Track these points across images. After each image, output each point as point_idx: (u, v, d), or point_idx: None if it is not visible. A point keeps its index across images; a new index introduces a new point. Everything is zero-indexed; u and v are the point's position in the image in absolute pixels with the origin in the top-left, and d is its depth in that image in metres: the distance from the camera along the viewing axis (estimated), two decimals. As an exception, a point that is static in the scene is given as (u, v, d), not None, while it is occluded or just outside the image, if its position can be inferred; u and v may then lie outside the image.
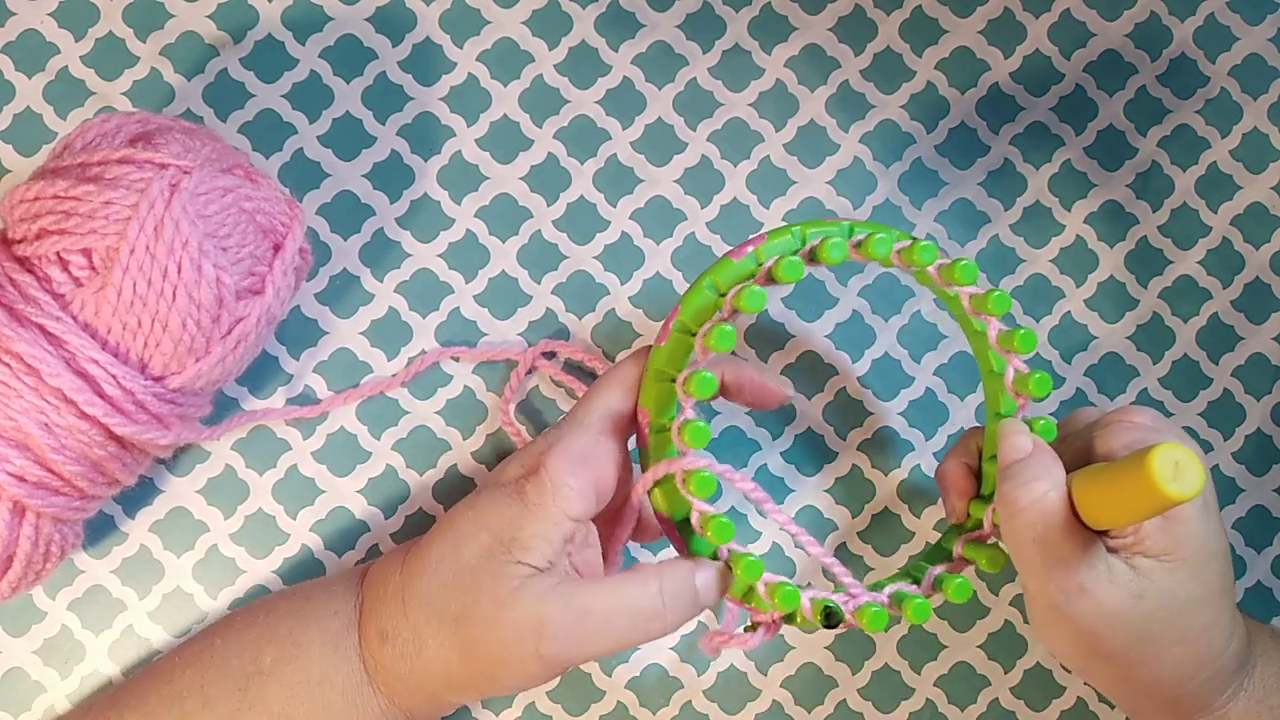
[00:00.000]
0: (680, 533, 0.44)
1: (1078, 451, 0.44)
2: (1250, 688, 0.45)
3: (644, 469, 0.44)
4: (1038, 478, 0.42)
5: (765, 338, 0.54)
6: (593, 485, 0.42)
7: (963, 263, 0.43)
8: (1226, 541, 0.44)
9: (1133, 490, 0.39)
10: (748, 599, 0.44)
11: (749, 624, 0.45)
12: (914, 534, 0.54)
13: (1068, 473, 0.42)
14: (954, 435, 0.54)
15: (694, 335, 0.44)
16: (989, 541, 0.47)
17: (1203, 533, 0.42)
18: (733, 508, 0.53)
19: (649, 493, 0.44)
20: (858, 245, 0.44)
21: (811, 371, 0.54)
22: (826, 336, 0.54)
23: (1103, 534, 0.42)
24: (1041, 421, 0.45)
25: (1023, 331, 0.44)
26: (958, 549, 0.47)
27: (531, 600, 0.40)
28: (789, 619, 0.45)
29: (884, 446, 0.54)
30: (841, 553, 0.53)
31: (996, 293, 0.44)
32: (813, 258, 0.44)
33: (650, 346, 0.45)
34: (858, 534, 0.54)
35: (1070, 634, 0.42)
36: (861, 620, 0.44)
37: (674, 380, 0.44)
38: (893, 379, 0.54)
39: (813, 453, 0.54)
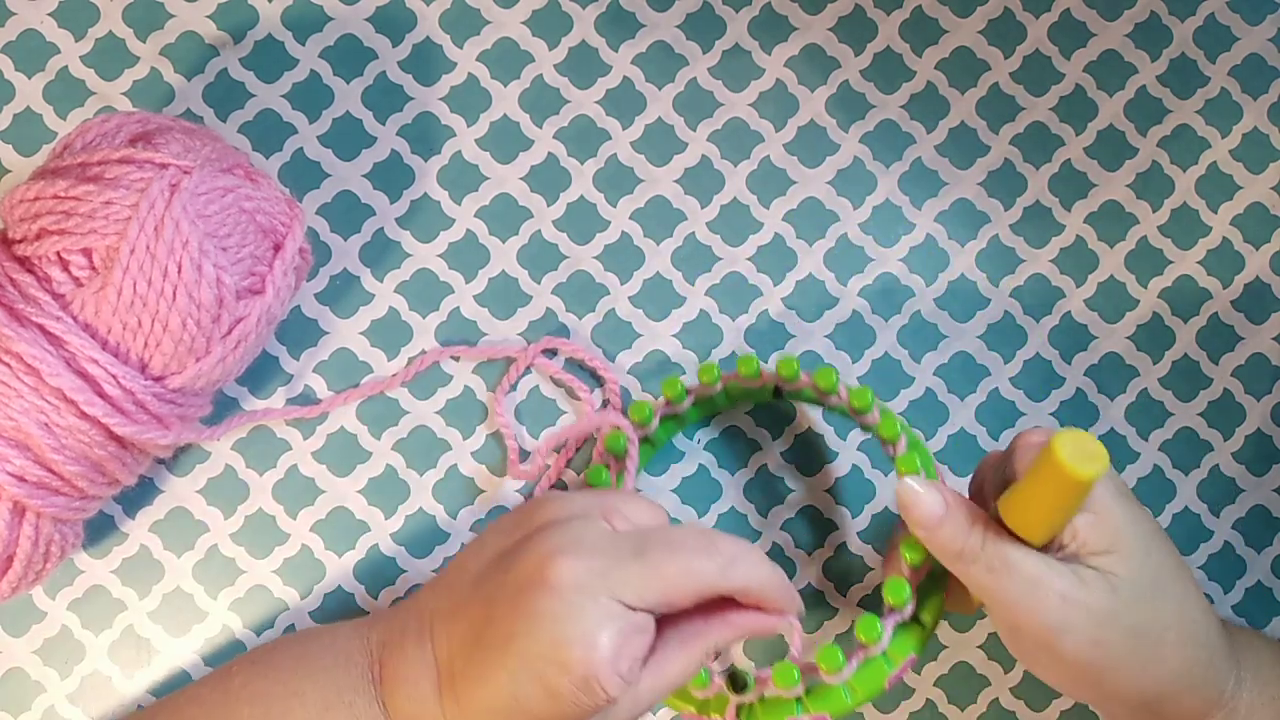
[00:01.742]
0: None
1: (996, 493, 0.45)
2: (1247, 679, 0.45)
3: None
4: (974, 522, 0.43)
5: (765, 338, 0.54)
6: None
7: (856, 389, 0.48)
8: (1157, 523, 0.44)
9: (1050, 488, 0.40)
10: (703, 709, 0.47)
11: None
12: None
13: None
14: (954, 435, 0.54)
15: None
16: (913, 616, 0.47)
17: (1131, 515, 0.42)
18: (732, 508, 0.53)
19: None
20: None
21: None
22: (826, 337, 0.54)
23: (1047, 552, 0.43)
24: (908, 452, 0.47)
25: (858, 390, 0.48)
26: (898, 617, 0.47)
27: None
28: (745, 714, 0.46)
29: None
30: (842, 552, 0.53)
31: (888, 418, 0.48)
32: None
33: None
34: (857, 534, 0.54)
35: (1071, 661, 0.42)
36: (775, 680, 0.45)
37: None
38: (893, 379, 0.54)
39: (813, 453, 0.54)
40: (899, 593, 0.45)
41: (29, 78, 0.52)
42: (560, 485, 0.53)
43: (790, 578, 0.53)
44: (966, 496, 0.46)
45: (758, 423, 0.54)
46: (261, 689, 0.44)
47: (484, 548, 0.44)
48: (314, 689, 0.43)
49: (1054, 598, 0.41)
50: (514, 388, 0.53)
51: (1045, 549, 0.43)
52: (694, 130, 0.54)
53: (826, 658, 0.44)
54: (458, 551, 0.46)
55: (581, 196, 0.54)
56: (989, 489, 0.46)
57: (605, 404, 0.52)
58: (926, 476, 0.47)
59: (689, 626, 0.42)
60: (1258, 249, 0.56)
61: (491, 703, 0.40)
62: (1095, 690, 0.44)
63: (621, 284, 0.54)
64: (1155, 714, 0.43)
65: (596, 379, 0.53)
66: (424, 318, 0.53)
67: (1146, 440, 0.55)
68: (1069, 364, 0.55)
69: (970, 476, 0.49)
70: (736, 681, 0.46)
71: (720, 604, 0.42)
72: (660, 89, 0.54)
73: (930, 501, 0.43)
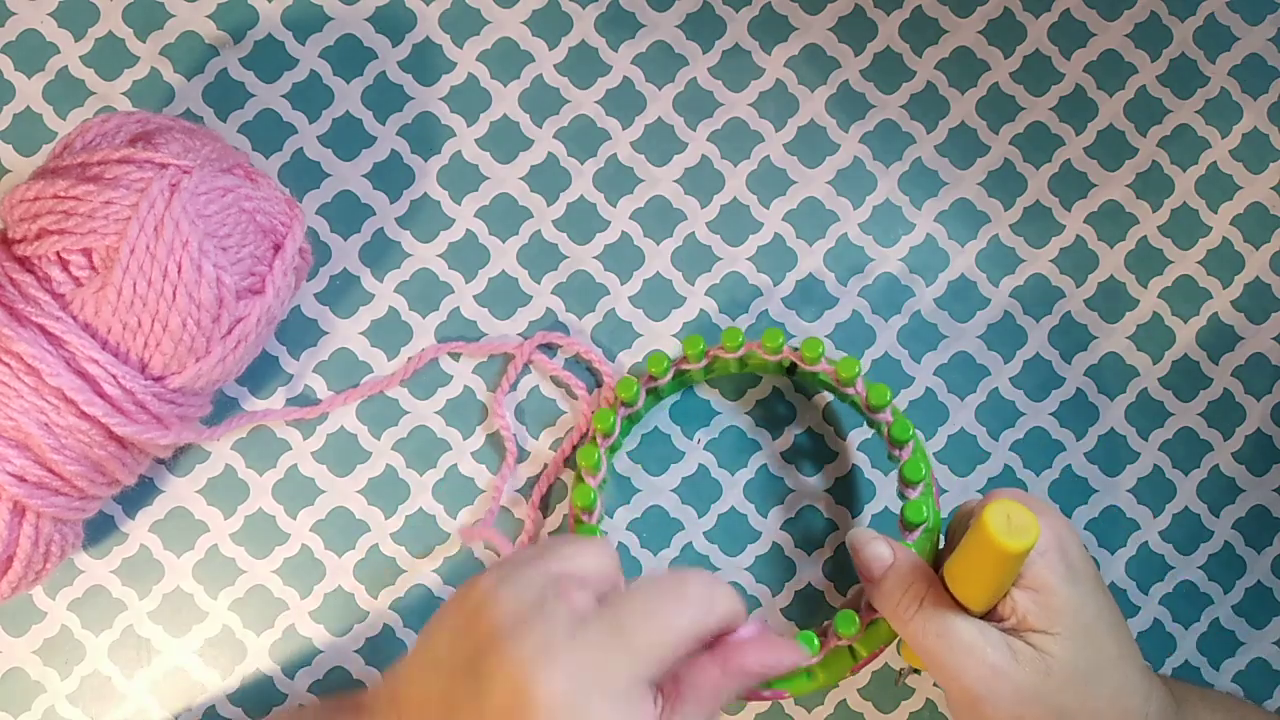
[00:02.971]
0: None
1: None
2: None
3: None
4: (914, 580, 0.43)
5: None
6: None
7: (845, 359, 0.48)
8: (1112, 605, 0.44)
9: (984, 557, 0.41)
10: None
11: None
12: (914, 534, 0.54)
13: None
14: (954, 435, 0.54)
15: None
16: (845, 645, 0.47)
17: (1076, 600, 0.42)
18: (732, 508, 0.53)
19: None
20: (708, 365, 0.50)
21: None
22: (827, 336, 0.54)
23: (988, 621, 0.43)
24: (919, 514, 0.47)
25: (875, 387, 0.48)
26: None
27: None
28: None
29: (884, 446, 0.54)
30: (842, 552, 0.53)
31: (877, 387, 0.48)
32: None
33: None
34: (858, 534, 0.54)
35: None
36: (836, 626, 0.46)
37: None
38: (893, 379, 0.54)
39: (812, 453, 0.54)
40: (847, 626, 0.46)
41: (29, 78, 0.52)
42: (560, 485, 0.53)
43: (790, 578, 0.53)
44: (916, 555, 0.46)
45: (758, 423, 0.54)
46: None
47: (438, 660, 0.38)
48: None
49: (984, 667, 0.41)
50: (514, 387, 0.53)
51: (987, 616, 0.43)
52: (694, 130, 0.54)
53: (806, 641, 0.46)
54: (406, 660, 0.40)
55: (581, 196, 0.54)
56: (956, 539, 0.46)
57: (599, 386, 0.53)
58: (926, 487, 0.47)
59: (700, 682, 0.38)
60: (1258, 249, 0.56)
61: None
62: None
63: (621, 284, 0.54)
64: None
65: (595, 376, 0.53)
66: (424, 317, 0.53)
67: (1146, 440, 0.54)
68: (1069, 364, 0.55)
69: (953, 514, 0.48)
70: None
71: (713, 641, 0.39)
72: (660, 89, 0.54)
73: (877, 553, 0.45)
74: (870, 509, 0.54)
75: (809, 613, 0.53)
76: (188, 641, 0.51)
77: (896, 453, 0.48)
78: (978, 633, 0.42)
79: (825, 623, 0.48)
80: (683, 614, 0.37)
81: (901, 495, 0.48)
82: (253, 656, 0.51)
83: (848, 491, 0.54)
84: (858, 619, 0.46)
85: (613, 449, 0.51)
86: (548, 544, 0.40)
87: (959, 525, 0.46)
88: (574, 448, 0.52)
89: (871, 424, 0.50)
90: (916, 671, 0.50)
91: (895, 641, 0.48)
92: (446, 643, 0.38)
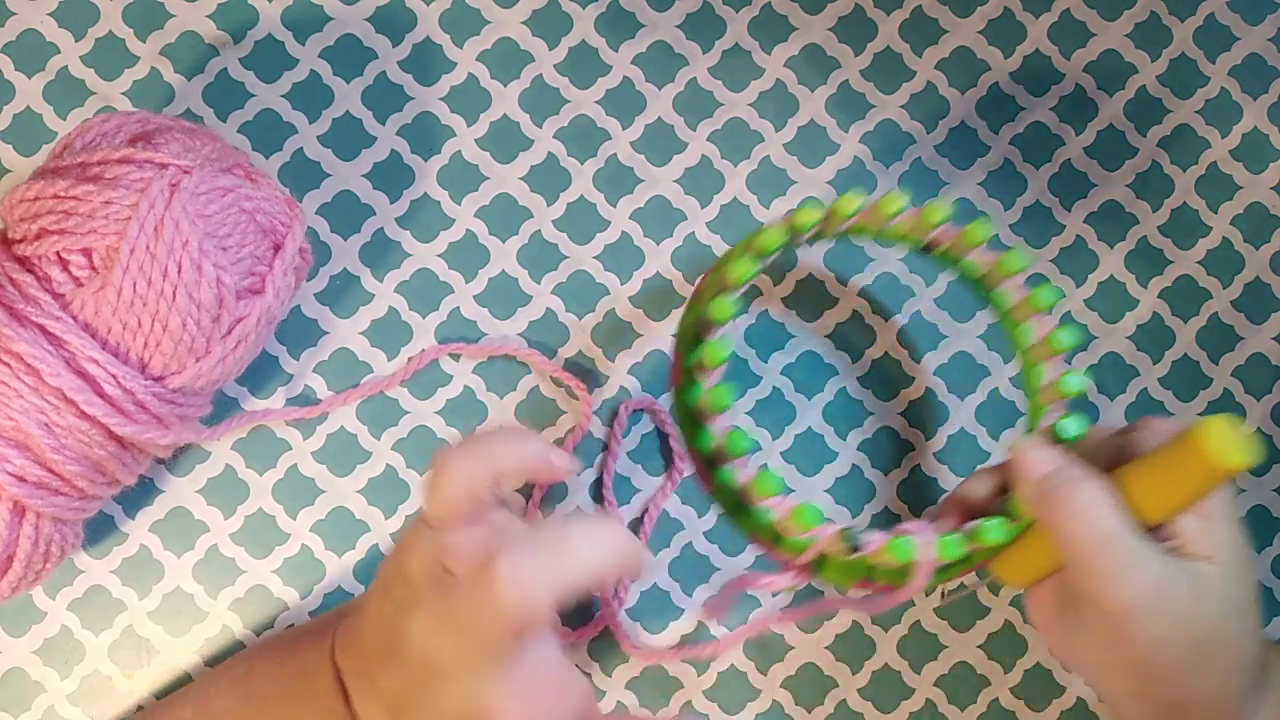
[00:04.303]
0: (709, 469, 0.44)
1: (1102, 465, 0.43)
2: (1269, 697, 0.44)
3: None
4: (1084, 478, 0.41)
5: (766, 338, 0.54)
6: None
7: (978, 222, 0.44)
8: (1250, 546, 0.44)
9: (1186, 469, 0.39)
10: (775, 544, 0.44)
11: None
12: (914, 534, 0.54)
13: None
14: (954, 435, 0.54)
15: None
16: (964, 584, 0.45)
17: (1238, 536, 0.42)
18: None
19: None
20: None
21: (812, 370, 0.54)
22: (827, 336, 0.54)
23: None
24: (1063, 422, 0.44)
25: (1058, 333, 0.45)
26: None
27: None
28: (816, 568, 0.44)
29: (884, 446, 0.54)
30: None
31: (1012, 251, 0.45)
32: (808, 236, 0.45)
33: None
34: (858, 534, 0.54)
35: (1132, 647, 0.41)
36: (888, 551, 0.42)
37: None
38: (893, 379, 0.54)
39: (813, 453, 0.54)
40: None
41: (29, 78, 0.52)
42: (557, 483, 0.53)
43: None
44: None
45: (758, 422, 0.54)
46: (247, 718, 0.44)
47: (380, 604, 0.40)
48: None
49: (1149, 581, 0.40)
50: (515, 388, 0.52)
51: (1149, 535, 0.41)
52: (694, 130, 0.54)
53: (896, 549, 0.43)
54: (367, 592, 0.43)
55: (581, 196, 0.54)
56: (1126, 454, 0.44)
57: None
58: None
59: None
60: (1258, 249, 0.56)
61: None
62: (1137, 683, 0.42)
63: (621, 284, 0.54)
64: (1178, 717, 0.43)
65: (595, 381, 0.53)
66: (424, 318, 0.53)
67: (1146, 440, 0.55)
68: (1069, 364, 0.55)
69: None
70: (852, 539, 0.43)
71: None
72: (660, 89, 0.54)
73: (1043, 455, 0.43)
74: (870, 509, 0.54)
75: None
76: (188, 641, 0.51)
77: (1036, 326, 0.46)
78: (1145, 546, 0.40)
79: (968, 525, 0.45)
80: (562, 576, 0.36)
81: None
82: (253, 656, 0.51)
83: (848, 491, 0.54)
84: (1008, 525, 0.43)
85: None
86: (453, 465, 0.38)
87: (1104, 447, 0.44)
88: (575, 446, 0.52)
89: (991, 297, 0.47)
90: (962, 590, 0.47)
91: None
92: (381, 587, 0.40)
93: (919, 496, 0.54)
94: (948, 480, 0.54)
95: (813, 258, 0.54)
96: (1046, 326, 0.46)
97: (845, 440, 0.54)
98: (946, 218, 0.46)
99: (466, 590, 0.36)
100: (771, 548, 0.44)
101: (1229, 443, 0.38)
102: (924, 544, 0.43)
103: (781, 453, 0.53)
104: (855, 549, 0.43)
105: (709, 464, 0.44)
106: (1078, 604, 0.43)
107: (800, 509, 0.42)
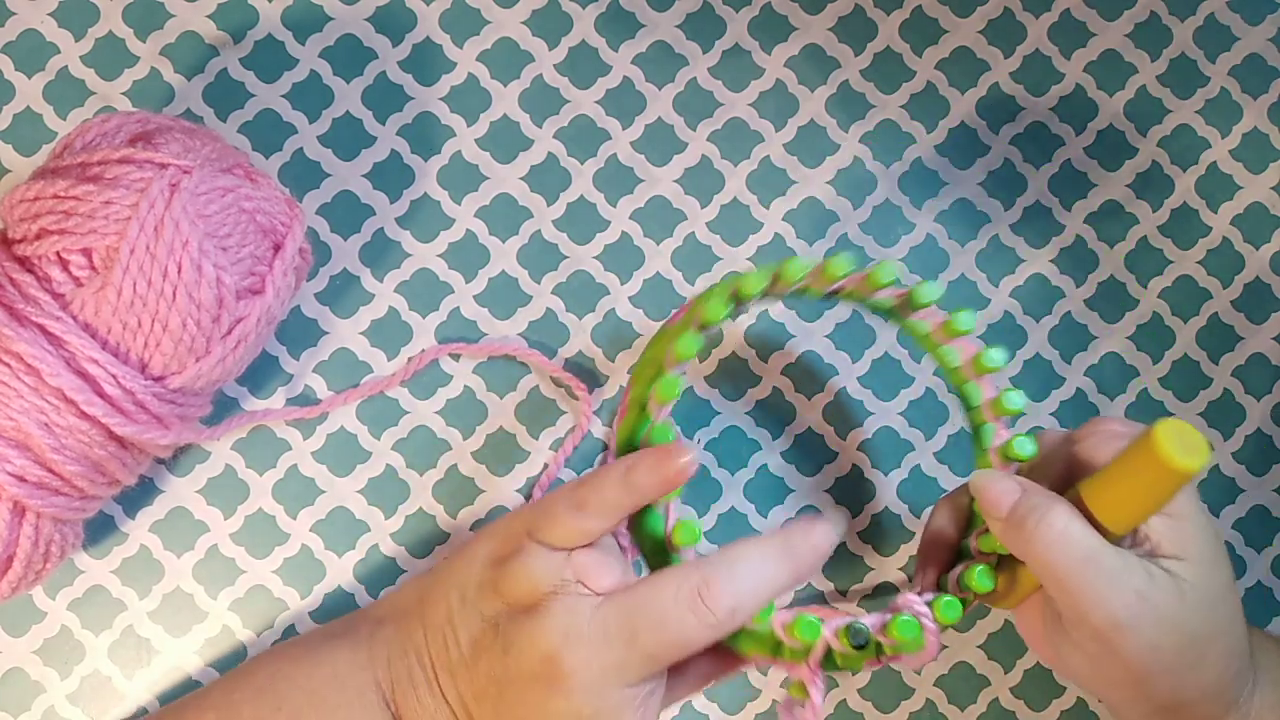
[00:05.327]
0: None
1: (1057, 475, 0.44)
2: (1262, 680, 0.45)
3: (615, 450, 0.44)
4: (1050, 504, 0.41)
5: (765, 338, 0.54)
6: None
7: (922, 285, 0.43)
8: (1221, 534, 0.44)
9: (1145, 477, 0.39)
10: (776, 652, 0.43)
11: (785, 683, 0.45)
12: (914, 534, 0.54)
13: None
14: (954, 435, 0.54)
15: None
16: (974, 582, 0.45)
17: (1207, 527, 0.42)
18: (732, 508, 0.53)
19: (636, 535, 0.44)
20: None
21: (811, 371, 0.54)
22: (826, 336, 0.54)
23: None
24: (1017, 441, 0.44)
25: (989, 351, 0.44)
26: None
27: None
28: (826, 663, 0.43)
29: (884, 446, 0.54)
30: (841, 552, 0.53)
31: (962, 312, 0.44)
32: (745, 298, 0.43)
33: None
34: (858, 534, 0.54)
35: (1124, 659, 0.41)
36: (893, 633, 0.42)
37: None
38: (893, 379, 0.54)
39: (813, 453, 0.54)
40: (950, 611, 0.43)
41: (29, 78, 0.52)
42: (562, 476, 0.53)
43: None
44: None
45: (758, 423, 0.54)
46: None
47: (465, 598, 0.43)
48: None
49: (1129, 594, 0.40)
50: (515, 388, 0.53)
51: (1118, 544, 0.41)
52: (694, 130, 0.54)
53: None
54: (430, 582, 0.46)
55: (581, 196, 0.54)
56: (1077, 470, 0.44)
57: None
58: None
59: (695, 668, 0.45)
60: (1258, 249, 0.56)
61: None
62: (1134, 690, 0.42)
63: (621, 284, 0.54)
64: (1176, 716, 0.43)
65: (596, 381, 0.53)
66: (424, 318, 0.53)
67: (1146, 440, 0.54)
68: (1069, 364, 0.55)
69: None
70: (855, 636, 0.42)
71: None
72: (660, 89, 0.54)
73: (1005, 488, 0.42)
74: (870, 509, 0.54)
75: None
76: (188, 641, 0.51)
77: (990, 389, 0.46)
78: (1121, 559, 0.40)
79: (953, 573, 0.45)
80: (697, 625, 0.40)
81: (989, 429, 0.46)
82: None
83: (848, 491, 0.54)
84: (993, 571, 0.44)
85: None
86: (568, 523, 0.42)
87: (1056, 455, 0.45)
88: (575, 447, 0.52)
89: (936, 356, 0.46)
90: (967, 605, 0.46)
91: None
92: (475, 585, 0.43)
93: (919, 496, 0.54)
94: (948, 480, 0.54)
95: (813, 258, 0.54)
96: (970, 349, 0.45)
97: (845, 440, 0.54)
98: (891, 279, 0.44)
99: (624, 605, 0.40)
100: (774, 659, 0.44)
101: (1183, 445, 0.38)
102: (925, 615, 0.43)
103: (781, 453, 0.53)
104: (859, 646, 0.42)
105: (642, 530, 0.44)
106: (1065, 623, 0.43)
107: (798, 622, 0.42)
